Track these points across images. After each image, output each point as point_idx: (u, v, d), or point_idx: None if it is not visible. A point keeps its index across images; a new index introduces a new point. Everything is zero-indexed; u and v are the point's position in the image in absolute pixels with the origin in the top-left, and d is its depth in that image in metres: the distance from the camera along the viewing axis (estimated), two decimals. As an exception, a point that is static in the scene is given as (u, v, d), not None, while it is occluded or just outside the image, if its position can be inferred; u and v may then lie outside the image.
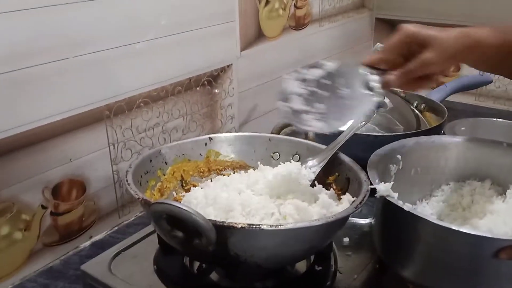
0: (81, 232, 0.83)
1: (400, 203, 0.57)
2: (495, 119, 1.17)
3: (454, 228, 0.54)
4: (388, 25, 1.52)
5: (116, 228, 0.87)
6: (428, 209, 0.72)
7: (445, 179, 0.75)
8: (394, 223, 0.62)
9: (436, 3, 1.41)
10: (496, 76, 1.36)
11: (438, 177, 0.75)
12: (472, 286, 0.57)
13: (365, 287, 0.64)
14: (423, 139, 0.75)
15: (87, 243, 0.83)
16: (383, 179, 0.63)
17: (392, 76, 0.61)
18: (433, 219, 0.56)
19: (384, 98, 0.91)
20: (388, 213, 0.63)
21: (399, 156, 0.70)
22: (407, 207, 0.57)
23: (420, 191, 0.74)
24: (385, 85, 0.61)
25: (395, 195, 0.60)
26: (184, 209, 0.49)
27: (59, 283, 0.73)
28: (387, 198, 0.58)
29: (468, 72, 1.38)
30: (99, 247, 0.80)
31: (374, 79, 0.61)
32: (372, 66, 0.63)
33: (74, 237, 0.82)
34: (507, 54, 0.60)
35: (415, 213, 0.56)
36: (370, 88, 0.62)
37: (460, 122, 1.13)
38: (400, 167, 0.71)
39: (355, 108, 0.61)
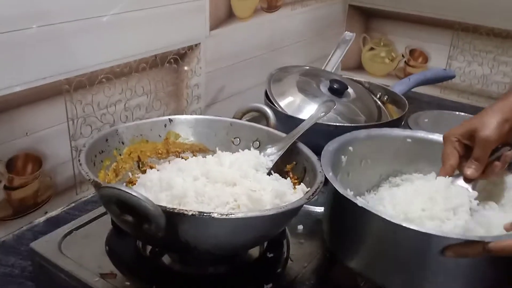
0: (36, 207, 0.81)
1: (352, 197, 0.58)
2: (458, 112, 1.20)
3: (404, 225, 0.55)
4: (361, 13, 1.52)
5: (73, 204, 0.86)
6: (375, 200, 0.74)
7: (393, 171, 0.76)
8: (344, 215, 0.63)
9: (410, -7, 1.42)
10: (461, 70, 1.39)
11: (386, 169, 0.76)
12: (418, 282, 0.58)
13: (315, 275, 0.65)
14: (375, 131, 0.76)
15: (42, 219, 0.82)
16: (335, 170, 0.64)
17: (469, 168, 0.66)
18: (385, 214, 0.57)
19: (348, 88, 0.93)
20: (339, 205, 0.64)
21: (350, 148, 0.71)
22: (360, 202, 0.57)
23: (369, 182, 0.75)
24: (470, 178, 0.66)
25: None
26: (133, 195, 0.48)
27: (11, 259, 0.72)
28: (341, 192, 0.59)
29: (434, 65, 1.41)
30: (54, 223, 0.79)
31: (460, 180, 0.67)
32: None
33: (28, 212, 0.80)
34: None
35: (367, 208, 0.57)
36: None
37: (423, 114, 1.16)
38: (351, 158, 0.71)
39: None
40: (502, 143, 0.66)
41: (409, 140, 0.76)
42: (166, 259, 0.65)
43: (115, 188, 0.49)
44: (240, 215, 0.53)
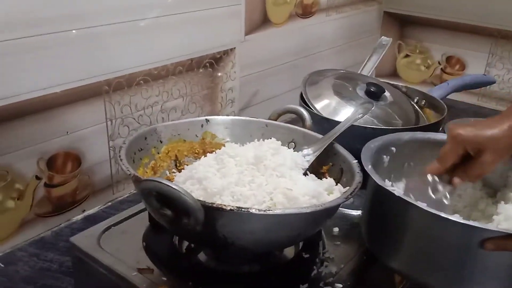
0: (74, 205, 0.83)
1: (390, 187, 0.57)
2: (496, 120, 1.16)
3: (443, 215, 0.54)
4: (396, 20, 1.51)
5: (109, 203, 0.88)
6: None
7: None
8: (383, 210, 0.62)
9: (445, 0, 1.40)
10: (500, 78, 1.36)
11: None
12: (457, 278, 0.57)
13: (352, 277, 0.64)
14: (419, 134, 0.75)
15: (79, 217, 0.83)
16: (376, 169, 0.63)
17: (457, 178, 0.63)
18: (423, 205, 0.56)
19: (385, 92, 0.92)
20: (378, 199, 0.63)
21: (393, 148, 0.70)
22: (397, 192, 0.56)
23: (413, 186, 0.74)
24: (454, 185, 0.64)
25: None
26: (174, 188, 0.49)
27: (49, 254, 0.74)
28: (378, 183, 0.58)
29: (472, 73, 1.38)
30: (91, 221, 0.80)
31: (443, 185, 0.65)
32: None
33: (67, 210, 0.82)
34: None
35: (405, 198, 0.56)
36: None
37: (460, 121, 1.13)
38: (394, 159, 0.70)
39: None
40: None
41: None
42: (201, 256, 0.66)
43: (156, 181, 0.50)
44: (278, 212, 0.53)
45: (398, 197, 0.56)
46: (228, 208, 0.50)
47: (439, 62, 1.46)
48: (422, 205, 0.56)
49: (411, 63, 1.51)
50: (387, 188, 0.58)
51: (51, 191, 0.79)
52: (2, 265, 0.71)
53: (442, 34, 1.43)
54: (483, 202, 0.70)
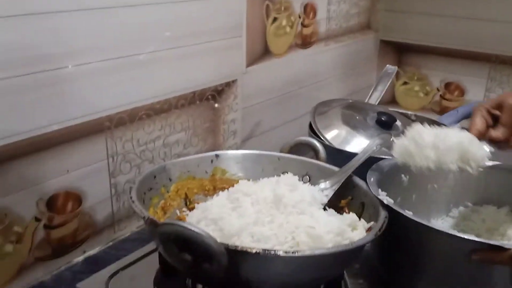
0: (75, 246, 0.79)
1: (384, 197, 0.58)
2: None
3: (430, 225, 0.55)
4: (393, 48, 1.51)
5: (111, 243, 0.83)
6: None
7: (463, 200, 0.73)
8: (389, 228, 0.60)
9: (441, 27, 1.40)
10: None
11: (456, 198, 0.73)
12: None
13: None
14: None
15: (80, 258, 0.79)
16: (393, 188, 0.63)
17: (496, 131, 0.67)
18: (410, 215, 0.56)
19: (396, 121, 0.90)
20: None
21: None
22: (387, 201, 0.57)
23: (437, 208, 0.72)
24: (494, 140, 0.67)
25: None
26: (196, 231, 0.45)
27: (49, 300, 0.69)
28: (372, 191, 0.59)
29: (471, 98, 1.38)
30: (93, 263, 0.76)
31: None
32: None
33: (67, 252, 0.77)
34: None
35: (395, 207, 0.56)
36: None
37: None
38: (416, 179, 0.68)
39: None
40: None
41: (480, 169, 0.72)
42: (217, 300, 0.61)
43: (175, 224, 0.46)
44: (307, 253, 0.49)
45: (386, 205, 0.56)
46: (254, 251, 0.47)
47: (438, 89, 1.45)
48: (408, 214, 0.56)
49: (410, 90, 1.50)
50: (380, 197, 0.57)
51: (51, 233, 0.74)
52: (1, 315, 0.66)
53: (439, 61, 1.43)
54: (505, 226, 0.69)
